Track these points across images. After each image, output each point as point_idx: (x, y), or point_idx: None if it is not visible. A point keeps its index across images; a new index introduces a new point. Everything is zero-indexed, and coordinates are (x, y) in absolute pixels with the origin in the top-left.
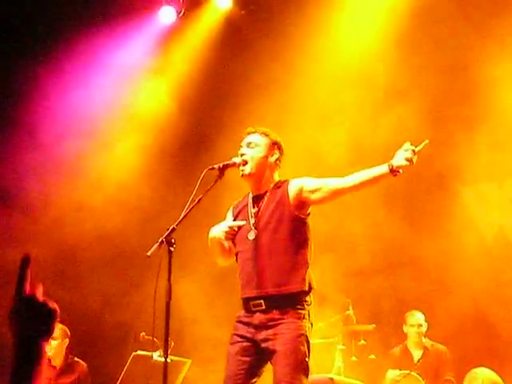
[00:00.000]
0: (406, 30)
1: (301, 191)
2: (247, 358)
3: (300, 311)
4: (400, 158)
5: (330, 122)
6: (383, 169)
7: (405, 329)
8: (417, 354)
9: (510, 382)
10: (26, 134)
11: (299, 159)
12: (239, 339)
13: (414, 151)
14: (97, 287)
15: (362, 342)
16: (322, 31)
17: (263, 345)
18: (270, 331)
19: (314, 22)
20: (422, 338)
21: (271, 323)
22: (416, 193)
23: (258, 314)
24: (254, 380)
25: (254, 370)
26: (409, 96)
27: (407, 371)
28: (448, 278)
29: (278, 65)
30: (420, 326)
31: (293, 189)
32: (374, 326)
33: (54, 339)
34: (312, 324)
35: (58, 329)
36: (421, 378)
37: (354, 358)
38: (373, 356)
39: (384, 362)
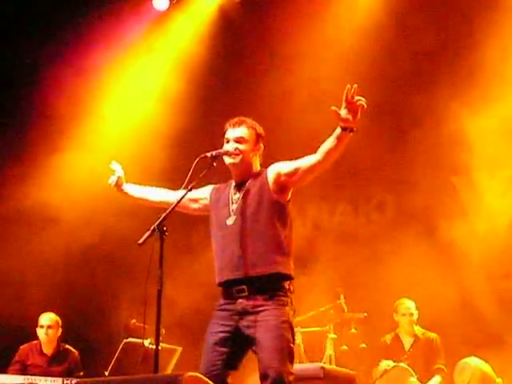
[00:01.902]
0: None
1: (279, 175)
2: (225, 349)
3: (283, 298)
4: (342, 114)
5: (322, 108)
6: (337, 130)
7: (396, 317)
8: (408, 342)
9: (500, 372)
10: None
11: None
12: (220, 328)
13: (346, 100)
14: (87, 273)
15: (353, 330)
16: (314, 19)
17: (246, 331)
18: (253, 317)
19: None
20: (414, 325)
21: (254, 309)
22: (407, 182)
23: (240, 300)
24: (229, 372)
25: (231, 362)
26: (405, 83)
27: (398, 362)
28: (438, 267)
29: (267, 54)
30: (411, 314)
31: (271, 174)
32: (365, 314)
33: (50, 328)
34: (294, 311)
35: (53, 318)
36: (410, 368)
37: (344, 347)
38: (364, 345)
39: (375, 350)
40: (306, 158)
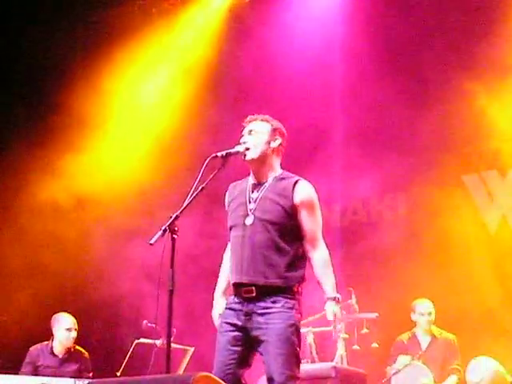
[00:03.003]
0: None
1: (297, 208)
2: (238, 348)
3: (291, 301)
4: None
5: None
6: (325, 294)
7: (413, 317)
8: (425, 342)
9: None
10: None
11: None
12: (230, 328)
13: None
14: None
15: (365, 330)
16: None
17: (254, 333)
18: (261, 319)
19: None
20: (431, 325)
21: (262, 311)
22: (416, 182)
23: (248, 301)
24: (243, 370)
25: (244, 360)
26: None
27: (415, 359)
28: (450, 267)
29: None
30: (430, 314)
31: (298, 198)
32: (376, 314)
33: (76, 330)
34: (301, 314)
35: (73, 319)
36: (425, 367)
37: (356, 347)
38: (375, 344)
39: (391, 349)
40: (310, 237)
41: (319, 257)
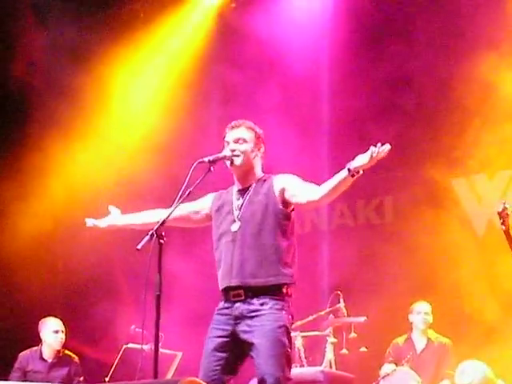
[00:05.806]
0: None
1: (283, 191)
2: (224, 354)
3: (280, 302)
4: (358, 160)
5: None
6: (343, 173)
7: (411, 318)
8: (420, 345)
9: (501, 373)
10: None
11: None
12: (218, 333)
13: (371, 155)
14: (89, 277)
15: (353, 334)
16: None
17: (243, 336)
18: (250, 322)
19: None
20: (428, 328)
21: (251, 314)
22: (406, 184)
23: (237, 305)
24: (229, 377)
25: (230, 367)
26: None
27: (404, 363)
28: (439, 271)
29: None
30: (426, 313)
31: (278, 186)
32: (365, 318)
33: (63, 332)
34: (292, 316)
35: (59, 322)
36: (413, 372)
37: (344, 351)
38: (364, 349)
39: (385, 352)
40: (310, 187)
41: (321, 187)
